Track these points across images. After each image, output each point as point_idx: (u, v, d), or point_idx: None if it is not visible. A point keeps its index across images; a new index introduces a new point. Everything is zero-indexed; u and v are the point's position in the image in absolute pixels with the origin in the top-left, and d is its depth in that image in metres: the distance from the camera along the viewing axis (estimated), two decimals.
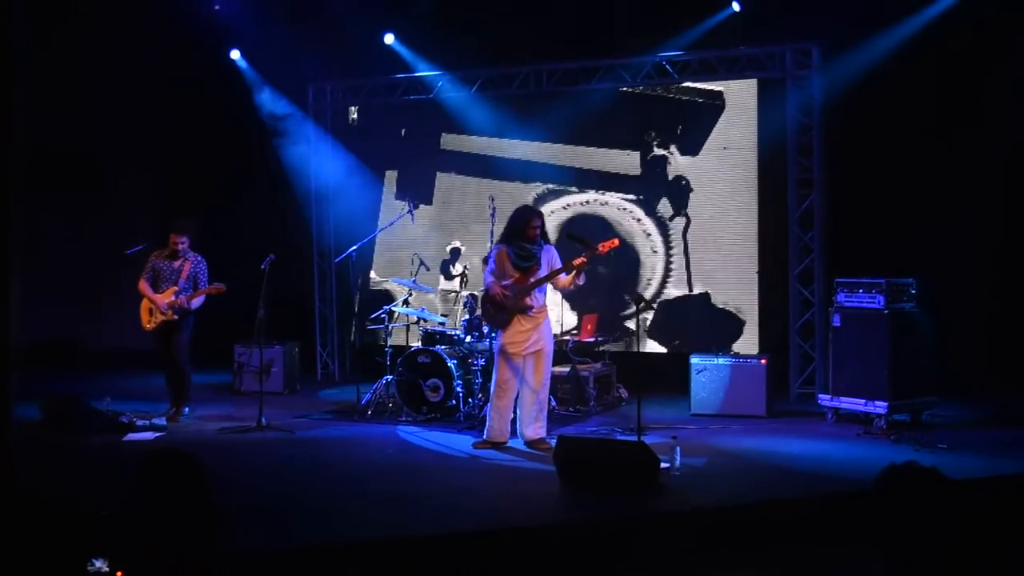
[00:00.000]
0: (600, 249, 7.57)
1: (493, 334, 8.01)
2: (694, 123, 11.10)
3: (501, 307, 7.72)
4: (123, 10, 12.54)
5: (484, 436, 7.93)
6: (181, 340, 9.11)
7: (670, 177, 11.13)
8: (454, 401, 8.98)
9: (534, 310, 7.68)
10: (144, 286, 9.10)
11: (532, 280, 7.65)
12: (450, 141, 12.28)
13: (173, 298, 8.96)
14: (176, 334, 9.07)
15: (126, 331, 12.67)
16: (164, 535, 2.40)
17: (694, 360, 9.48)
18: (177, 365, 9.13)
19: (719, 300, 10.92)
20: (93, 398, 8.92)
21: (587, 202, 11.48)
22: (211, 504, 2.46)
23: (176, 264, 9.08)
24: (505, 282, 7.72)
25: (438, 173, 12.33)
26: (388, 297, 11.82)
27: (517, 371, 7.74)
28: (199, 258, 9.18)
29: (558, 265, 7.68)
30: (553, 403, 9.36)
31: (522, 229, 7.70)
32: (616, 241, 7.80)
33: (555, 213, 11.51)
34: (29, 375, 5.93)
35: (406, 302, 9.82)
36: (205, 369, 11.18)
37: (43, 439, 8.18)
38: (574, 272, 7.60)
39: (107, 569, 2.82)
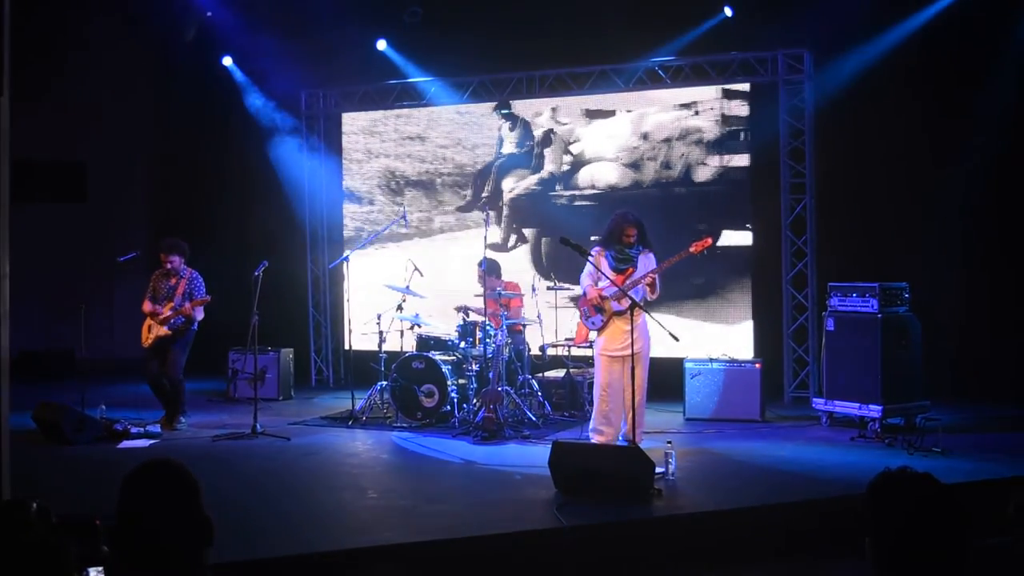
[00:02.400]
0: (693, 249, 7.61)
1: (592, 339, 7.94)
2: None
3: (599, 309, 7.75)
4: (111, 16, 12.54)
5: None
6: (177, 360, 9.12)
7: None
8: (449, 407, 8.98)
9: (626, 312, 7.58)
10: (147, 306, 9.17)
11: (628, 282, 7.66)
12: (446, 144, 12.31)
13: (168, 314, 8.99)
14: (172, 353, 9.08)
15: (117, 340, 12.68)
16: (153, 547, 2.39)
17: (688, 364, 9.49)
18: (172, 381, 9.14)
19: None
20: (87, 406, 8.90)
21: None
22: (203, 516, 2.45)
23: (172, 282, 9.13)
24: (602, 284, 7.73)
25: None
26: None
27: (620, 374, 7.71)
28: (195, 274, 9.19)
29: (660, 274, 7.65)
30: (547, 408, 9.37)
31: (618, 236, 7.75)
32: (709, 240, 7.72)
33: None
34: (22, 384, 5.91)
35: (399, 308, 9.80)
36: (199, 376, 11.17)
37: (37, 448, 8.17)
38: (655, 277, 7.59)
39: None
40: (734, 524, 5.95)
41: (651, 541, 5.74)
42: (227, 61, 12.57)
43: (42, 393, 9.50)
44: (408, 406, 9.12)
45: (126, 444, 8.34)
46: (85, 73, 13.18)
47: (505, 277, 9.87)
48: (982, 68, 9.75)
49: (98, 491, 6.08)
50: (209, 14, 12.02)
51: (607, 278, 7.57)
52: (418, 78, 11.99)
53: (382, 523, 5.98)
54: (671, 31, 10.83)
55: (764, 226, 10.69)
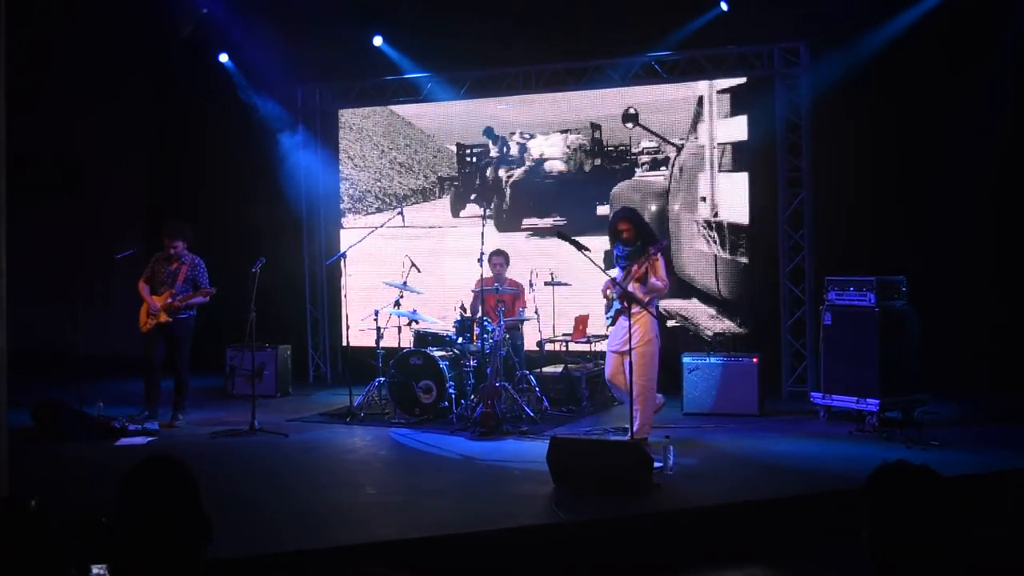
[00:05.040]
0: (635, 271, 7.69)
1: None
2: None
3: (609, 304, 7.88)
4: (105, 11, 12.49)
5: None
6: (184, 350, 9.13)
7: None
8: (446, 402, 8.98)
9: (634, 310, 7.57)
10: (142, 287, 9.13)
11: (614, 289, 7.74)
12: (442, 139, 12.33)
13: (169, 300, 8.97)
14: (178, 342, 9.07)
15: (114, 337, 12.65)
16: (152, 544, 2.39)
17: (686, 359, 9.49)
18: (179, 371, 9.16)
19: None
20: (85, 403, 8.89)
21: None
22: (201, 513, 2.45)
23: (173, 267, 9.09)
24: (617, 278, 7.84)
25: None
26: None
27: (618, 369, 7.81)
28: (197, 260, 9.16)
29: (650, 267, 7.63)
30: (545, 403, 9.37)
31: (614, 232, 7.85)
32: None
33: None
34: (19, 382, 5.91)
35: (397, 304, 9.79)
36: (196, 373, 11.14)
37: (35, 445, 8.17)
38: (632, 278, 7.60)
39: (106, 575, 2.82)
40: (732, 518, 5.96)
41: (649, 536, 5.75)
42: (223, 58, 12.53)
43: (39, 390, 9.50)
44: (406, 402, 9.12)
45: (124, 441, 8.34)
46: (81, 69, 13.14)
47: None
48: (979, 60, 9.73)
49: (96, 488, 6.10)
50: (205, 11, 11.97)
51: (618, 273, 7.70)
52: (415, 74, 11.98)
53: (380, 519, 5.98)
54: (667, 26, 10.81)
55: (761, 220, 10.68)
